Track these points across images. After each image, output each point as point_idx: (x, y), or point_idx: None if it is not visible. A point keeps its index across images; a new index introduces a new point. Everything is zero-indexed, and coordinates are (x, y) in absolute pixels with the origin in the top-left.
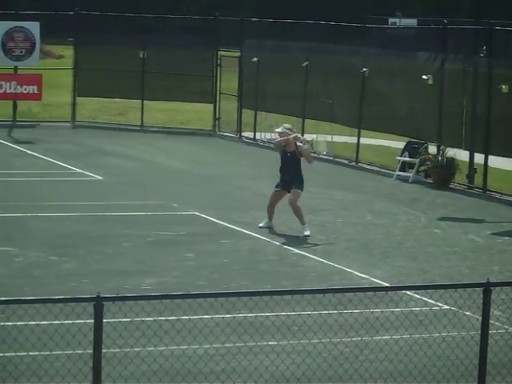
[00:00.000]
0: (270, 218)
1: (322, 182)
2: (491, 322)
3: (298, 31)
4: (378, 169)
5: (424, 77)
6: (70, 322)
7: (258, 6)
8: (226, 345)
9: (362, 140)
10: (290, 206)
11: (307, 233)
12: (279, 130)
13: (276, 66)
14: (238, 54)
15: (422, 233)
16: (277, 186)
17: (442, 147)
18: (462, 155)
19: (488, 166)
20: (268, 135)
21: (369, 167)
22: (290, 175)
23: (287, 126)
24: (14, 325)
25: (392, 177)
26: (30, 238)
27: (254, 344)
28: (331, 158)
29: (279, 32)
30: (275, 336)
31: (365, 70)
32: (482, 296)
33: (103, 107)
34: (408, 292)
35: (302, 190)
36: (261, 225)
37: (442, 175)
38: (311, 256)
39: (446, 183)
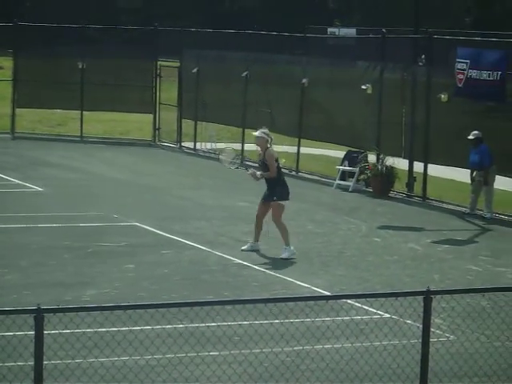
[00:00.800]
0: (256, 238)
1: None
2: (432, 330)
3: (238, 41)
4: (319, 178)
5: (363, 86)
6: (11, 333)
7: (198, 16)
8: (168, 355)
9: (302, 149)
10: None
11: (284, 255)
12: (256, 133)
13: (216, 76)
14: (178, 64)
15: (362, 241)
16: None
17: (382, 156)
18: (401, 164)
19: (427, 175)
20: (208, 145)
21: (309, 176)
22: (267, 188)
23: (265, 130)
24: None
25: (332, 186)
26: None
27: (196, 354)
28: None
29: (219, 42)
30: (216, 346)
31: (304, 80)
32: (422, 304)
33: (43, 118)
34: (349, 301)
35: (279, 198)
36: (244, 248)
37: (381, 184)
38: (252, 266)
39: (386, 192)
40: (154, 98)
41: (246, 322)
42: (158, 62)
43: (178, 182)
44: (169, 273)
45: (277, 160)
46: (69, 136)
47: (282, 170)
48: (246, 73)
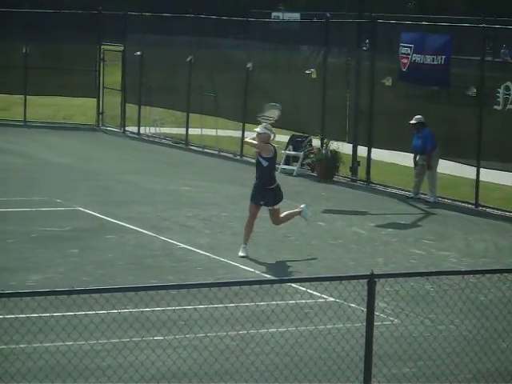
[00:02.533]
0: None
1: (208, 176)
2: (376, 313)
3: (182, 25)
4: None
5: (307, 71)
6: None
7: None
8: (112, 340)
9: (247, 134)
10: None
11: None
12: (258, 129)
13: (160, 61)
14: (122, 48)
15: (306, 226)
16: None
17: (326, 140)
18: (345, 148)
19: (371, 159)
20: (152, 129)
21: (253, 161)
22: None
23: (267, 125)
24: None
25: (277, 170)
26: None
27: (140, 339)
28: (216, 152)
29: (163, 26)
30: (161, 331)
31: (249, 64)
32: (366, 288)
33: None
34: (293, 285)
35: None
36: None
37: (325, 168)
38: (197, 250)
39: (330, 176)
40: (97, 83)
41: (190, 307)
42: (102, 47)
43: (121, 167)
44: (113, 257)
45: (268, 160)
46: (12, 121)
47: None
48: (190, 57)
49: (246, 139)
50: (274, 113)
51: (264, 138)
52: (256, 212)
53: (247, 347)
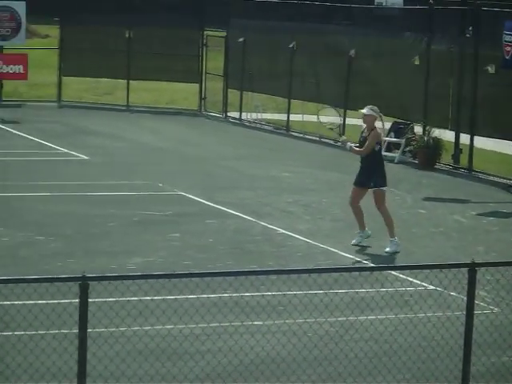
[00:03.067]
0: (362, 227)
1: (309, 163)
2: (476, 302)
3: (285, 11)
4: None
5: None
6: (56, 301)
7: None
8: (212, 324)
9: (348, 120)
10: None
11: (388, 249)
12: (364, 110)
13: (262, 46)
14: (225, 33)
15: (407, 213)
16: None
17: (428, 127)
18: (447, 136)
19: (474, 147)
20: (254, 115)
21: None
22: (362, 172)
23: (374, 107)
24: (0, 304)
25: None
26: (16, 217)
27: (240, 324)
28: (317, 139)
29: (266, 12)
30: (261, 316)
31: (352, 51)
32: (467, 276)
33: (89, 87)
34: (393, 272)
35: (377, 185)
36: (354, 241)
37: (427, 156)
38: (297, 236)
39: (432, 164)
40: (200, 68)
41: (290, 292)
42: (205, 32)
43: (223, 152)
44: (213, 242)
45: (379, 144)
46: (115, 105)
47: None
48: (292, 43)
49: (353, 148)
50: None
51: (370, 119)
52: (356, 196)
53: (346, 334)
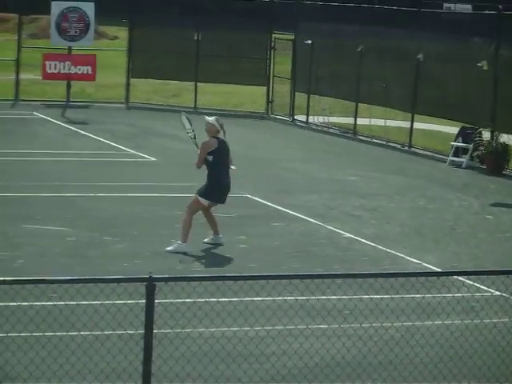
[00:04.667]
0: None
1: (376, 167)
2: None
3: (353, 14)
4: (432, 154)
5: (479, 63)
6: (122, 302)
7: None
8: (277, 327)
9: (416, 125)
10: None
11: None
12: (210, 119)
13: (330, 50)
14: (293, 36)
15: (474, 218)
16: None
17: (496, 133)
18: None
19: None
20: (321, 119)
21: (422, 152)
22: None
23: (216, 117)
24: (66, 304)
25: (445, 162)
26: (83, 217)
27: (305, 327)
28: (384, 143)
29: (334, 15)
30: (326, 319)
31: (420, 55)
32: None
33: (157, 89)
34: (460, 277)
35: (200, 194)
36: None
37: (495, 161)
38: (363, 240)
39: (500, 169)
40: (267, 71)
41: (356, 297)
42: (273, 35)
43: (289, 155)
44: (279, 245)
45: (214, 153)
46: (183, 107)
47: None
48: (360, 47)
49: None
50: (186, 123)
51: (210, 129)
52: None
53: (412, 338)
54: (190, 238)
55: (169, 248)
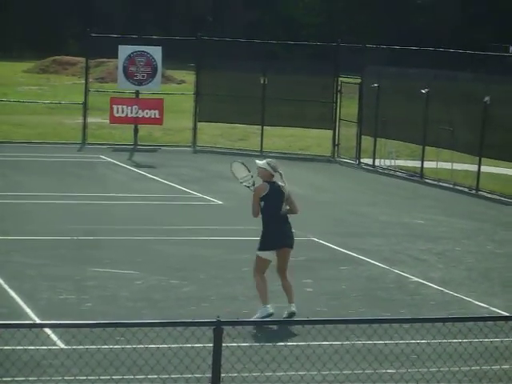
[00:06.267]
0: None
1: (442, 210)
2: None
3: (419, 57)
4: (499, 197)
5: None
6: (190, 345)
7: (378, 32)
8: (345, 371)
9: (483, 168)
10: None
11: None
12: (261, 162)
13: (396, 93)
14: (359, 80)
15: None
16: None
17: None
18: None
19: None
20: (387, 162)
21: (489, 195)
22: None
23: (271, 161)
24: (134, 348)
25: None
26: (151, 261)
27: (373, 371)
28: (451, 186)
29: (400, 58)
30: (394, 364)
31: (487, 98)
32: None
33: (224, 132)
34: None
35: (258, 248)
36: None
37: None
38: (430, 284)
39: None
40: (333, 114)
41: (424, 341)
42: (339, 78)
43: (355, 198)
44: (346, 289)
45: (265, 198)
46: (249, 150)
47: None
48: (426, 89)
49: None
50: (241, 171)
51: (263, 173)
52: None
53: (480, 383)
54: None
55: (255, 316)
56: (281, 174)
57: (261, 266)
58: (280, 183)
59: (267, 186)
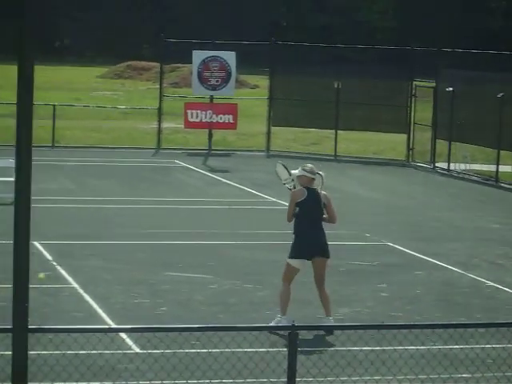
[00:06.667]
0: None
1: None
2: None
3: (493, 61)
4: None
5: None
6: (265, 349)
7: (453, 35)
8: (420, 376)
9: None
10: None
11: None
12: (296, 171)
13: (471, 96)
14: (433, 84)
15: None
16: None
17: None
18: None
19: None
20: (462, 166)
21: None
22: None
23: (305, 166)
24: (209, 352)
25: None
26: (225, 265)
27: (448, 376)
28: None
29: (475, 62)
30: (469, 369)
31: None
32: None
33: (297, 137)
34: None
35: (288, 257)
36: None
37: None
38: (506, 289)
39: None
40: (408, 118)
41: (499, 345)
42: (414, 82)
43: (430, 203)
44: (421, 293)
45: (300, 204)
46: (323, 155)
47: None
48: (501, 94)
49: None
50: (285, 173)
51: (303, 180)
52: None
53: None
54: (288, 310)
55: (270, 324)
56: (322, 176)
57: (288, 274)
58: (320, 190)
59: (305, 192)
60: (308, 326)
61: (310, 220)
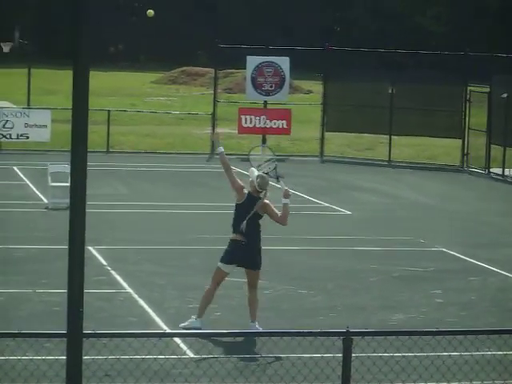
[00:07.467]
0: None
1: None
2: None
3: None
4: None
5: None
6: (319, 355)
7: (508, 40)
8: (474, 382)
9: None
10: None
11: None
12: (255, 173)
13: None
14: (488, 89)
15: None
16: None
17: None
18: None
19: None
20: None
21: None
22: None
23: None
24: (263, 357)
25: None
26: (279, 270)
27: (503, 382)
28: None
29: None
30: None
31: None
32: None
33: (351, 142)
34: None
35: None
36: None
37: None
38: None
39: None
40: (462, 123)
41: None
42: (468, 88)
43: (485, 208)
44: (476, 299)
45: (237, 206)
46: (377, 160)
47: None
48: None
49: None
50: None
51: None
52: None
53: None
54: (204, 312)
55: (182, 324)
56: (265, 194)
57: (215, 277)
58: (262, 199)
59: (245, 196)
60: (362, 332)
61: (241, 224)
